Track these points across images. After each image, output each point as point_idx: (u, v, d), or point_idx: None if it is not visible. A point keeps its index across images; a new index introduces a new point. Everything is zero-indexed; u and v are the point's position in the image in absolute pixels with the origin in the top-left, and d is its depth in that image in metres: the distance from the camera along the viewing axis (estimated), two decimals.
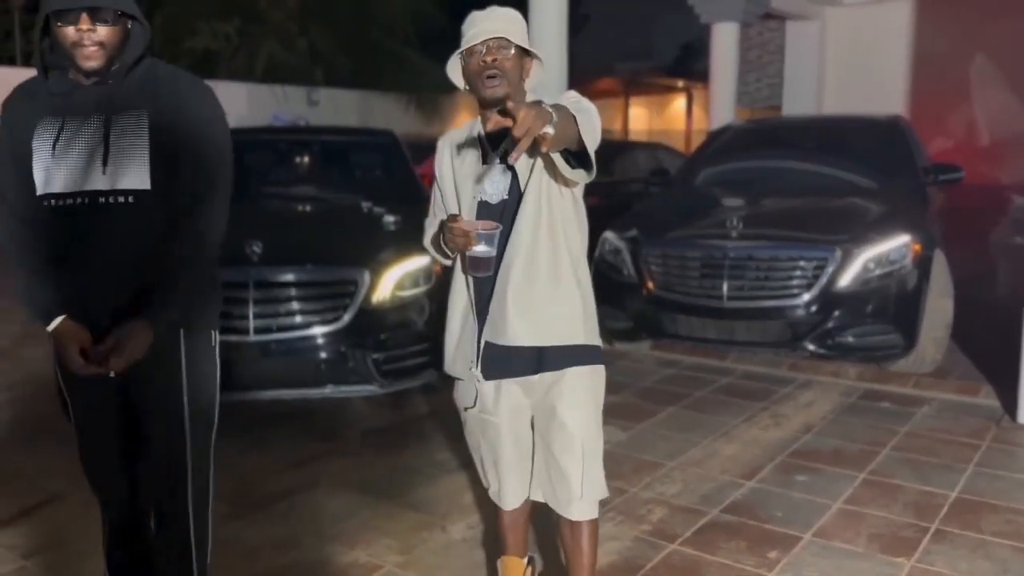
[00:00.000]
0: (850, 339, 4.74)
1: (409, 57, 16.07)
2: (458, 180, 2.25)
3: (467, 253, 2.11)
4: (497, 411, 2.29)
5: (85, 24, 1.94)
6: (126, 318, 2.04)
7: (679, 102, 23.52)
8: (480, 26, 2.12)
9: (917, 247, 4.79)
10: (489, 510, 2.79)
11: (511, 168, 2.16)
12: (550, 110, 1.80)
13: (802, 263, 4.78)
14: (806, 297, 4.72)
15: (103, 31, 1.97)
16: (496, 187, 2.18)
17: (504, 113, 1.74)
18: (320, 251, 4.28)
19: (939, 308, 4.90)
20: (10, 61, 13.18)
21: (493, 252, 2.10)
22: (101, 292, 2.09)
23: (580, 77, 14.06)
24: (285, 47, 15.68)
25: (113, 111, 2.05)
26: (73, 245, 2.08)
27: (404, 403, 4.56)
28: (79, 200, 2.05)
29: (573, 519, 2.28)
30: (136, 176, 2.05)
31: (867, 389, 4.83)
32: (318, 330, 4.01)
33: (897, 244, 4.76)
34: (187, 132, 2.10)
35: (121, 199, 2.05)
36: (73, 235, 2.07)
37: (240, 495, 3.44)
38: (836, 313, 4.70)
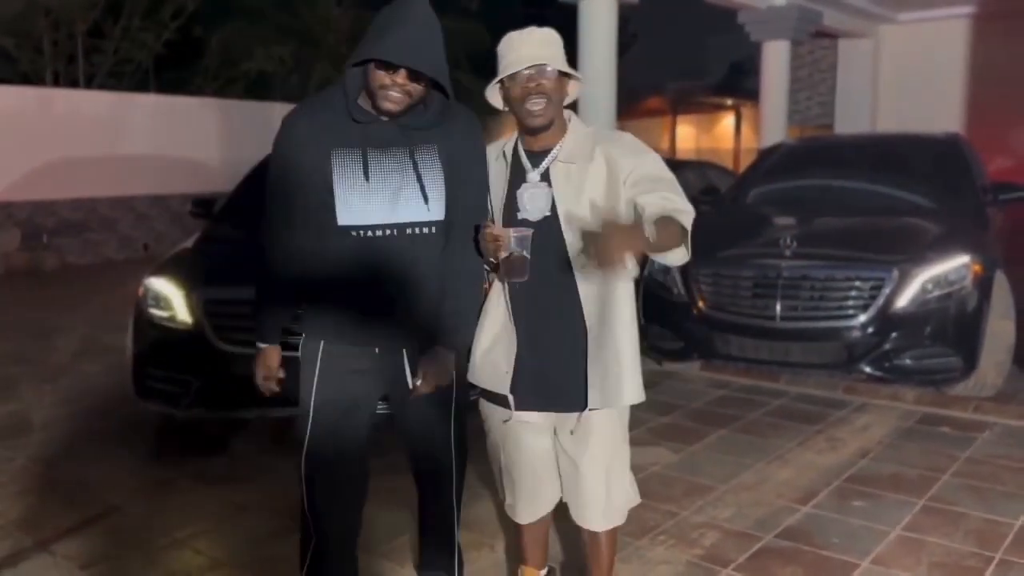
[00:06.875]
0: (908, 362, 4.63)
1: (458, 79, 16.20)
2: (492, 196, 2.32)
3: (501, 258, 2.12)
4: (522, 426, 2.34)
5: (402, 79, 2.06)
6: (417, 342, 2.26)
7: (727, 120, 23.35)
8: (520, 51, 2.13)
9: (977, 267, 4.67)
10: None
11: (549, 184, 2.20)
12: (644, 228, 1.94)
13: (858, 283, 4.69)
14: (862, 318, 4.63)
15: (413, 87, 2.09)
16: (537, 204, 2.20)
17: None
18: None
19: (1000, 330, 4.76)
20: (73, 84, 13.59)
21: (527, 256, 2.10)
22: (392, 316, 2.25)
23: (628, 95, 14.06)
24: (337, 69, 15.95)
25: (412, 144, 2.18)
26: (371, 273, 2.20)
27: None
28: (388, 231, 2.18)
29: (593, 530, 2.39)
30: (439, 207, 2.21)
31: (925, 413, 4.70)
32: None
33: (956, 264, 4.65)
34: (468, 166, 2.26)
35: (427, 230, 2.21)
36: (373, 263, 2.19)
37: (293, 510, 3.46)
38: (893, 335, 4.60)
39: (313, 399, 2.34)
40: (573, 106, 2.37)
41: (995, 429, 4.42)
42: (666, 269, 5.31)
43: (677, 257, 2.12)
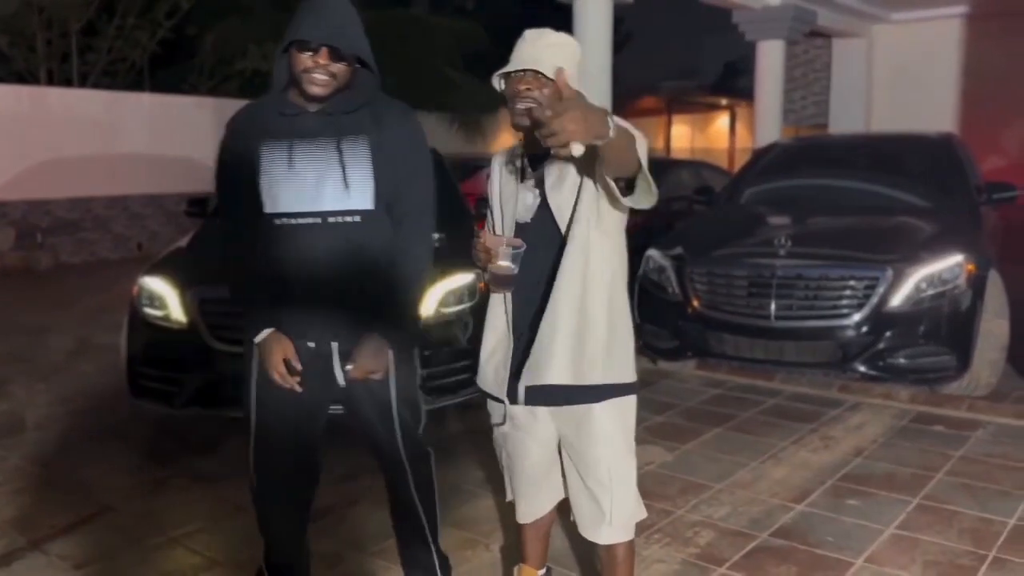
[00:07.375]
0: (902, 361, 4.64)
1: (453, 78, 16.20)
2: (502, 199, 2.29)
3: (489, 268, 2.14)
4: (522, 430, 2.32)
5: (323, 59, 2.12)
6: (347, 332, 2.25)
7: (722, 120, 23.39)
8: (520, 52, 2.12)
9: (971, 267, 4.68)
10: None
11: (542, 189, 2.17)
12: (606, 119, 1.71)
13: (852, 282, 4.70)
14: (857, 317, 4.63)
15: (336, 67, 2.15)
16: (528, 207, 2.19)
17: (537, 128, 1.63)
18: None
19: (994, 329, 4.78)
20: (67, 83, 13.54)
21: (515, 269, 2.12)
22: (322, 307, 2.25)
23: (623, 95, 14.06)
24: None
25: (341, 135, 2.21)
26: (298, 262, 2.22)
27: (446, 420, 4.56)
28: (310, 219, 2.20)
29: (600, 543, 2.31)
30: (364, 196, 2.21)
31: (919, 412, 4.71)
32: None
33: (950, 264, 4.66)
34: (403, 157, 2.27)
35: (350, 219, 2.21)
36: (299, 252, 2.21)
37: None
38: (887, 334, 4.61)
39: (253, 398, 2.33)
40: None
41: (989, 428, 4.44)
42: (661, 268, 5.32)
43: (638, 202, 1.96)
